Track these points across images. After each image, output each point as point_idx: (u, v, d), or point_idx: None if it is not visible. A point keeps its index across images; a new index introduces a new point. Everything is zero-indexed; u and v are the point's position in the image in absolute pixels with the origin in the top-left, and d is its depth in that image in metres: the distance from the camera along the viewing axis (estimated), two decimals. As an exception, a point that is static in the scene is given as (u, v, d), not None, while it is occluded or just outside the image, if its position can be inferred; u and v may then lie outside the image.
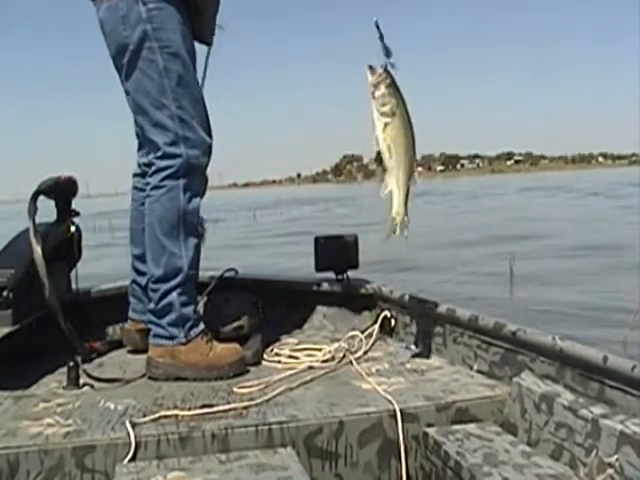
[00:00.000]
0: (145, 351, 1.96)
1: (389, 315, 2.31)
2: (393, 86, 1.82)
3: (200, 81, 2.06)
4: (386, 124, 1.83)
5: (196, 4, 1.91)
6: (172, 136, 1.85)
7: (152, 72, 1.84)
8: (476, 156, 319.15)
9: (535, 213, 18.67)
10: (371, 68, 1.83)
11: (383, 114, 1.82)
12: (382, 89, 1.81)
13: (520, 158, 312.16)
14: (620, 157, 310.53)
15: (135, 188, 2.11)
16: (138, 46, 1.83)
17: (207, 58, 2.17)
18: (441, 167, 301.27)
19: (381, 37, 1.80)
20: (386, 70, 1.82)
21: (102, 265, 7.90)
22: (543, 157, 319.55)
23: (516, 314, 4.58)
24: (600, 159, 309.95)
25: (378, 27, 1.80)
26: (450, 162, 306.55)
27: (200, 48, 2.07)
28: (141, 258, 2.02)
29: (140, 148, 2.08)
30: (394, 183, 1.86)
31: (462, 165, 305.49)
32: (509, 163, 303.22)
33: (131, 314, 2.18)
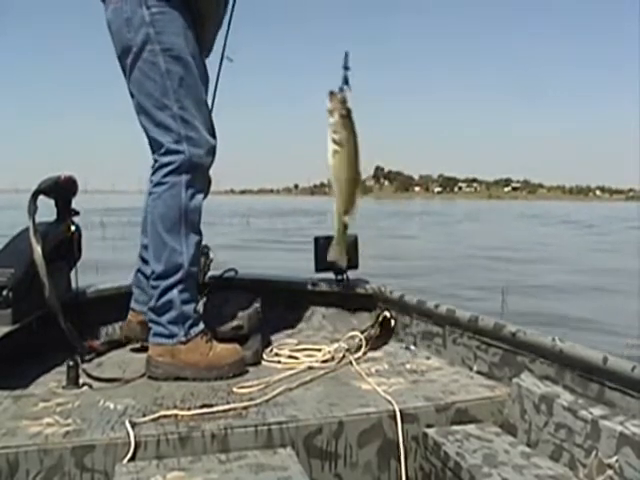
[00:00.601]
0: (145, 346, 1.96)
1: (389, 315, 2.31)
2: (346, 118, 1.88)
3: (211, 96, 2.15)
4: (335, 151, 1.89)
5: (199, 10, 1.92)
6: (175, 136, 1.87)
7: (154, 74, 1.86)
8: (474, 180, 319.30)
9: (530, 241, 18.97)
10: (331, 94, 1.89)
11: (334, 141, 1.88)
12: (335, 117, 1.88)
13: (518, 185, 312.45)
14: (617, 192, 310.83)
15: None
16: (141, 48, 1.85)
17: (218, 75, 2.26)
18: (439, 189, 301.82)
19: (346, 67, 1.88)
20: (343, 101, 1.88)
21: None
22: (541, 186, 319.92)
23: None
24: (597, 192, 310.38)
25: (346, 57, 1.88)
26: (448, 184, 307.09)
27: (212, 64, 2.14)
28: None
29: None
30: (334, 209, 1.92)
31: (460, 188, 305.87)
32: (507, 189, 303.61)
33: (133, 305, 2.18)
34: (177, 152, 1.87)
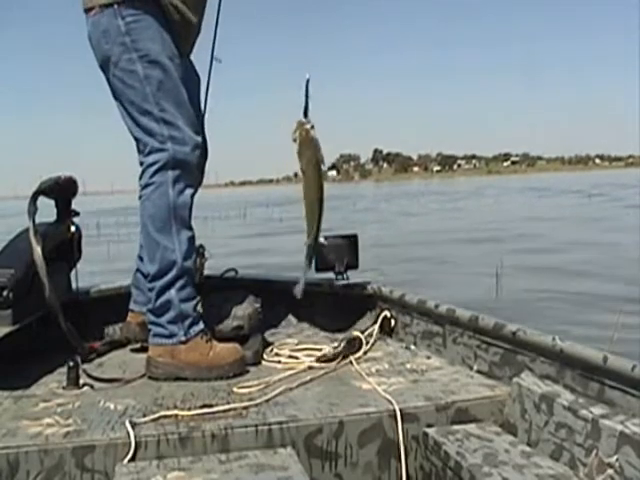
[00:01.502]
0: (145, 347, 1.97)
1: (389, 315, 2.31)
2: (305, 147, 1.93)
3: (204, 96, 2.19)
4: (302, 178, 1.97)
5: (174, 21, 1.94)
6: (159, 137, 1.90)
7: (133, 81, 1.89)
8: (473, 157, 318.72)
9: (532, 212, 19.19)
10: (298, 123, 1.93)
11: (300, 165, 1.95)
12: (296, 146, 1.93)
13: (517, 159, 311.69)
14: (617, 159, 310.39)
15: None
16: (119, 58, 1.88)
17: (209, 77, 2.25)
18: (438, 167, 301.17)
19: (306, 95, 1.90)
20: (304, 128, 1.92)
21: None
22: (540, 158, 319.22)
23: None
24: (597, 161, 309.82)
25: (307, 85, 1.89)
26: (447, 162, 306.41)
27: (205, 62, 2.18)
28: None
29: None
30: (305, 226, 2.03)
31: (459, 165, 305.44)
32: (506, 164, 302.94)
33: (132, 306, 2.18)
34: (161, 150, 1.89)
